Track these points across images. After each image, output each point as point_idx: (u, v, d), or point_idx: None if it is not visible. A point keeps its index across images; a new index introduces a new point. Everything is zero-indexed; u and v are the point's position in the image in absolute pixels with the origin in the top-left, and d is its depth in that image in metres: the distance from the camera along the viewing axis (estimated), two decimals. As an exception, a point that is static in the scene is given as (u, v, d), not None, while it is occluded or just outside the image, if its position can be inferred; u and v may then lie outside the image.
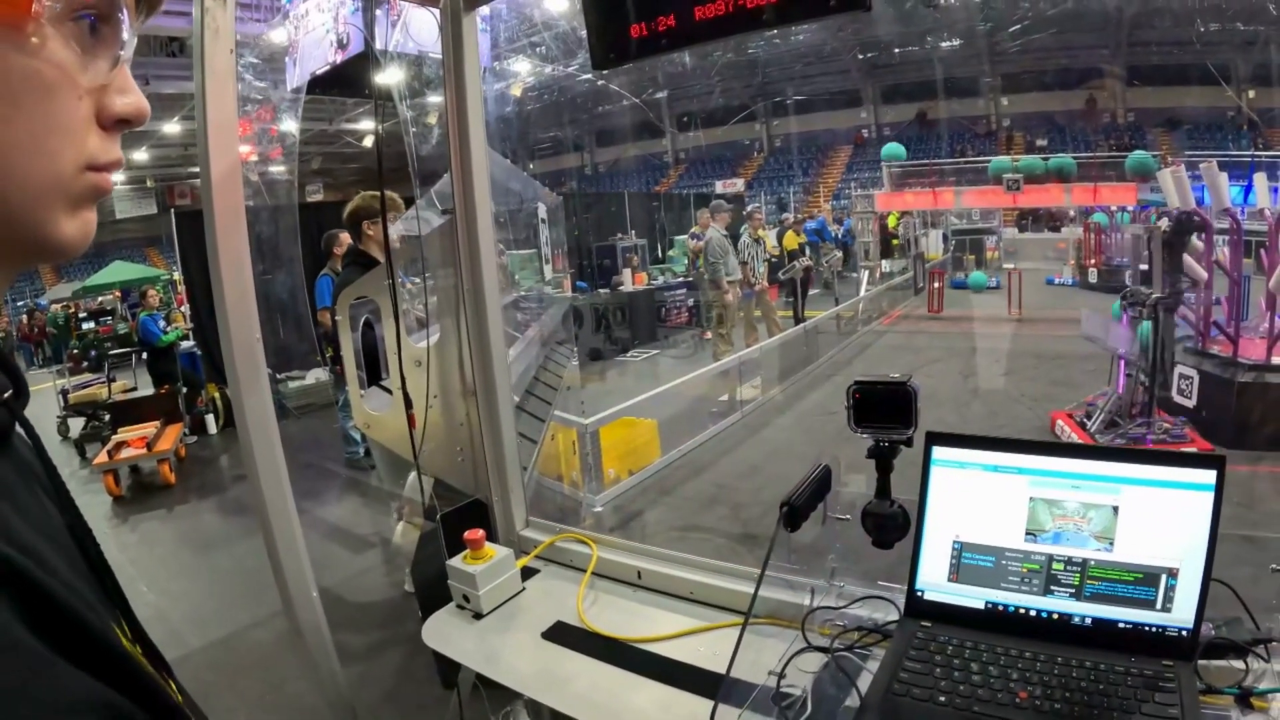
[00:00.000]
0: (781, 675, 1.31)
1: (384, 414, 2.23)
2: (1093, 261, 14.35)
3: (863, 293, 12.86)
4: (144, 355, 8.76)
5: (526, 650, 1.60)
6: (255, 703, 3.23)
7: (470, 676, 1.72)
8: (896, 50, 27.63)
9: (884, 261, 15.38)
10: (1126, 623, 1.22)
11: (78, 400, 8.96)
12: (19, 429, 0.52)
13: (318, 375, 8.50)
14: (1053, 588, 1.27)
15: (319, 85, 6.76)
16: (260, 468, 1.68)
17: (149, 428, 6.95)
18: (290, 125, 7.48)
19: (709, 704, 1.27)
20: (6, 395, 0.50)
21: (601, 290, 11.87)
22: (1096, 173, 14.64)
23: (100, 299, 18.98)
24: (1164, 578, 1.21)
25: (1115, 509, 1.24)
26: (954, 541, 1.35)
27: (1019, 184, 13.87)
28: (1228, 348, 5.74)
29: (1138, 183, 13.39)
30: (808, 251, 13.88)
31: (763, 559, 1.34)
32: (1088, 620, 1.25)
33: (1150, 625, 1.21)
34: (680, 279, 12.74)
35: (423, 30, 2.08)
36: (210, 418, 8.42)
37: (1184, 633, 1.19)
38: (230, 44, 1.51)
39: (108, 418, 7.67)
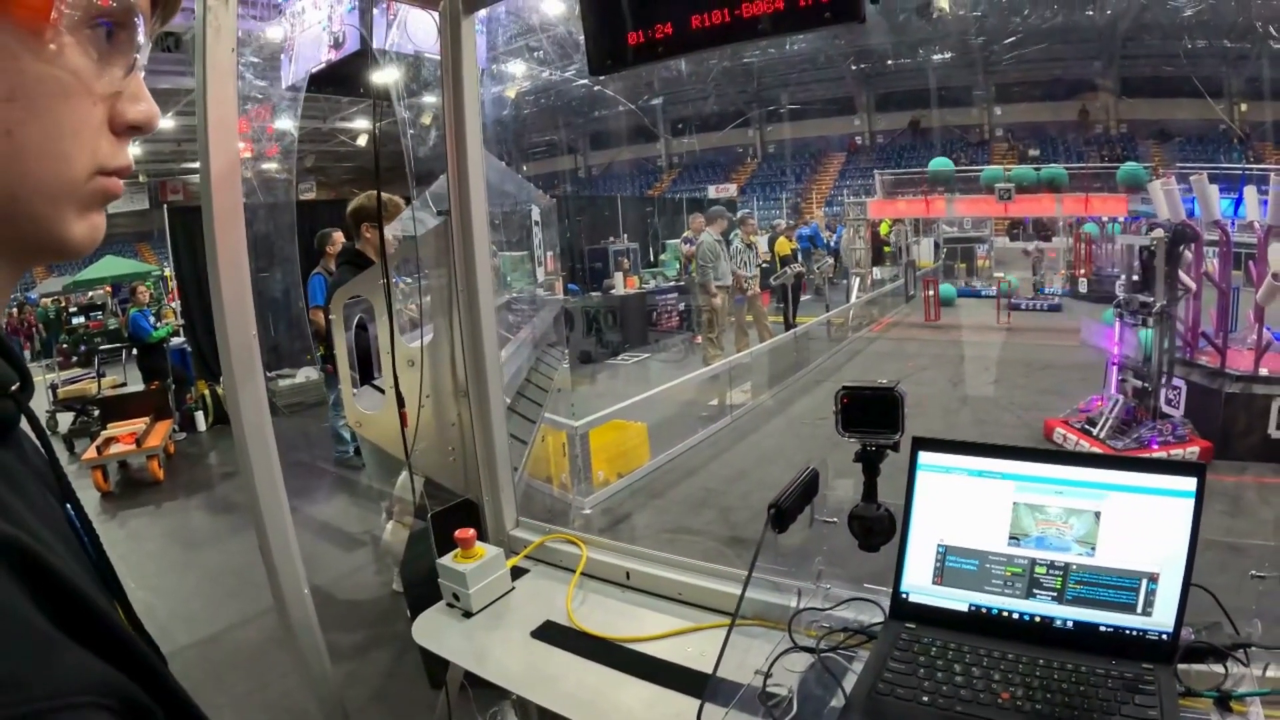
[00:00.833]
0: (768, 675, 1.33)
1: (376, 413, 2.23)
2: (1083, 271, 14.44)
3: (853, 299, 12.91)
4: (134, 351, 8.73)
5: (515, 649, 1.61)
6: (243, 700, 3.22)
7: (459, 675, 1.73)
8: (890, 62, 27.77)
9: (875, 269, 15.42)
10: (1107, 626, 1.24)
11: (67, 395, 8.91)
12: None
13: (308, 374, 8.49)
14: (1035, 591, 1.29)
15: (315, 83, 6.75)
16: (254, 465, 1.69)
17: (138, 424, 6.92)
18: (288, 123, 7.46)
19: (695, 703, 1.29)
20: (14, 388, 0.51)
21: (593, 293, 11.87)
22: (1088, 183, 14.71)
23: (90, 294, 18.85)
24: (1145, 582, 1.22)
25: (1097, 514, 1.26)
26: (939, 545, 1.37)
27: (1011, 193, 13.94)
28: (1215, 358, 5.79)
29: (1129, 194, 13.46)
30: (800, 258, 13.90)
31: (750, 561, 1.36)
32: (1069, 623, 1.26)
33: (1131, 629, 1.23)
34: (672, 283, 12.76)
35: (420, 31, 2.09)
36: (200, 414, 8.38)
37: (1164, 637, 1.21)
38: (231, 43, 1.52)
39: (97, 413, 7.63)
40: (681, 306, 11.82)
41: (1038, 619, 1.29)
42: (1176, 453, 5.27)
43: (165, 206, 16.40)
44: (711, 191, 28.79)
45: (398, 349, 2.05)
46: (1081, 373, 7.32)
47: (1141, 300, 5.62)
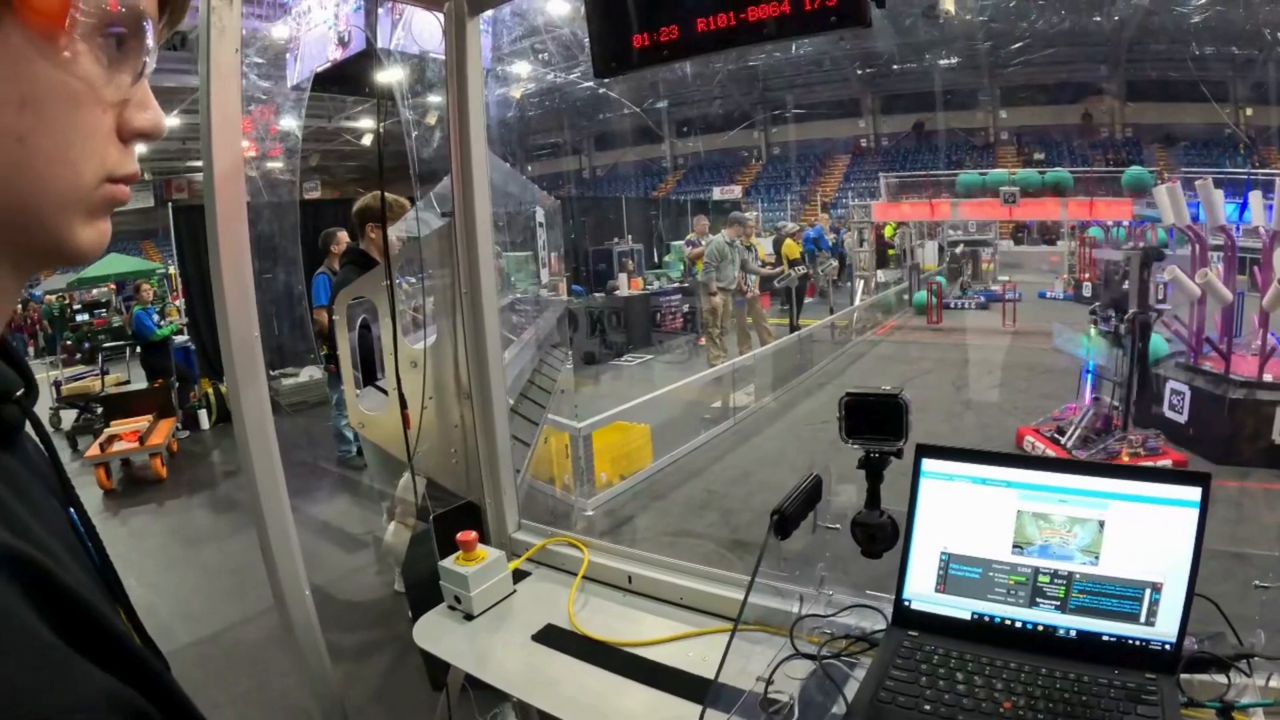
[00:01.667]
0: (769, 681, 1.32)
1: (379, 414, 2.23)
2: (1087, 276, 14.41)
3: (857, 302, 12.89)
4: (138, 349, 8.74)
5: (517, 652, 1.61)
6: (242, 698, 3.22)
7: (459, 677, 1.73)
8: (895, 65, 27.77)
9: (879, 271, 15.40)
10: (1110, 636, 1.24)
11: (70, 392, 8.94)
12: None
13: (311, 373, 8.50)
14: (1038, 600, 1.29)
15: (319, 82, 6.76)
16: (255, 463, 1.68)
17: (141, 421, 6.93)
18: (292, 123, 7.46)
19: (697, 708, 1.28)
20: (19, 394, 0.51)
21: (597, 294, 11.86)
22: (1093, 187, 14.69)
23: (95, 291, 18.88)
24: (1148, 592, 1.22)
25: (1101, 524, 1.26)
26: (942, 553, 1.36)
27: (1016, 197, 13.91)
28: (1220, 364, 5.77)
29: (1134, 198, 13.43)
30: (805, 260, 13.89)
31: (753, 566, 1.36)
32: (1072, 632, 1.26)
33: (1134, 639, 1.22)
34: (676, 284, 12.75)
35: (425, 31, 2.09)
36: (203, 413, 8.39)
37: (1167, 647, 1.20)
38: (236, 43, 1.51)
39: (100, 410, 7.64)
40: (685, 308, 11.80)
41: (1041, 628, 1.28)
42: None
43: (170, 204, 16.45)
44: (716, 193, 28.83)
45: (401, 350, 2.05)
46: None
47: (1114, 309, 5.64)
